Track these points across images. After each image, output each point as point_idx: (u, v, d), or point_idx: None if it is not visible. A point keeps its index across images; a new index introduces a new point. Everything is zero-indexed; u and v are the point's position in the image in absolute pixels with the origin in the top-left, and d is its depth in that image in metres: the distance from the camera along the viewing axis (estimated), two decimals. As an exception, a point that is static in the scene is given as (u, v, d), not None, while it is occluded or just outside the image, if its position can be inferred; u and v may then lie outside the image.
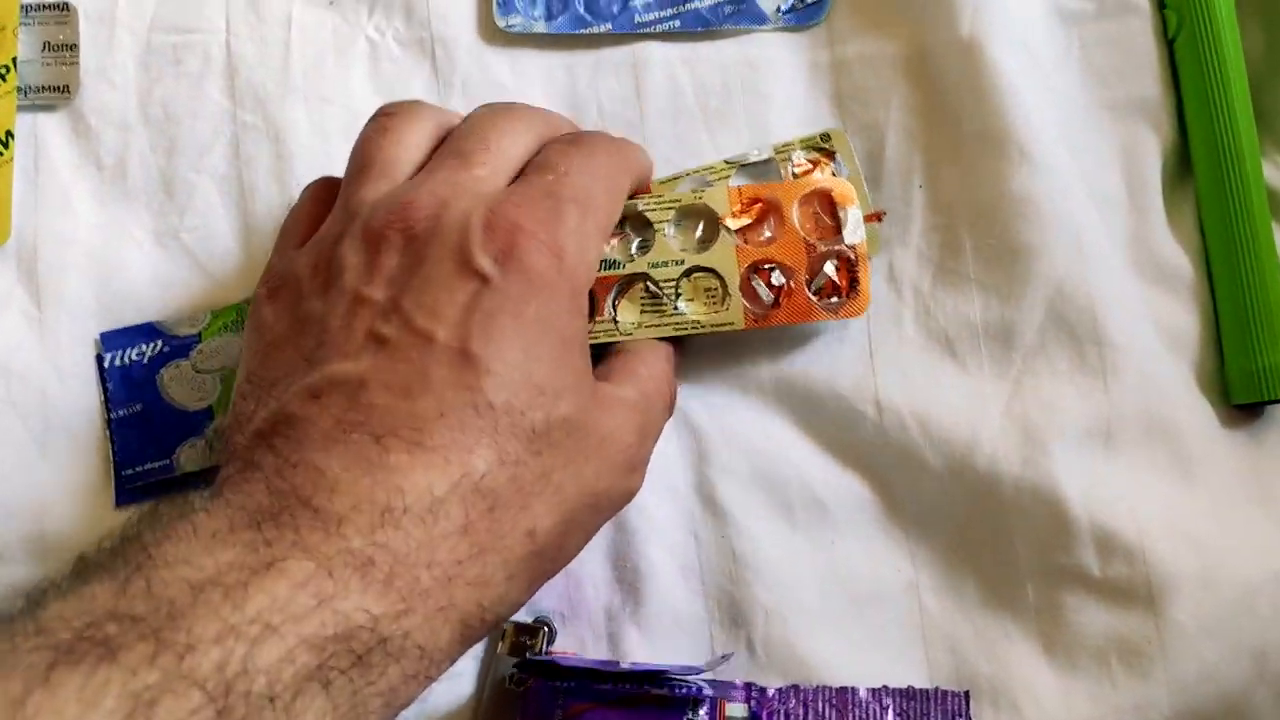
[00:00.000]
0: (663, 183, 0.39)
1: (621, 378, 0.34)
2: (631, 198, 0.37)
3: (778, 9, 0.42)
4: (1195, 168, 0.41)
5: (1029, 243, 0.38)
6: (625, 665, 0.35)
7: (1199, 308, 0.40)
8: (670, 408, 0.37)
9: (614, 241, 0.37)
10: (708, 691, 0.35)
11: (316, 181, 0.37)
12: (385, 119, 0.35)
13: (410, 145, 0.34)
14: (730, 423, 0.39)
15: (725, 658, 0.36)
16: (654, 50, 0.42)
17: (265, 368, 0.31)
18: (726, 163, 0.39)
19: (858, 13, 0.42)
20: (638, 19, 0.41)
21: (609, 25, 0.41)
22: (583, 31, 0.41)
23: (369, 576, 0.26)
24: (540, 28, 0.41)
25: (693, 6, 0.42)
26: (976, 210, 0.39)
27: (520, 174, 0.34)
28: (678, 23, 0.42)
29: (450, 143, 0.34)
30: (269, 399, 0.30)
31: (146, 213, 0.41)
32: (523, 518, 0.29)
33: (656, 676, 0.34)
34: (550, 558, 0.31)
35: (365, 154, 0.34)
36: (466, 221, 0.30)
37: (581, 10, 0.41)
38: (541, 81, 0.41)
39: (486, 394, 0.29)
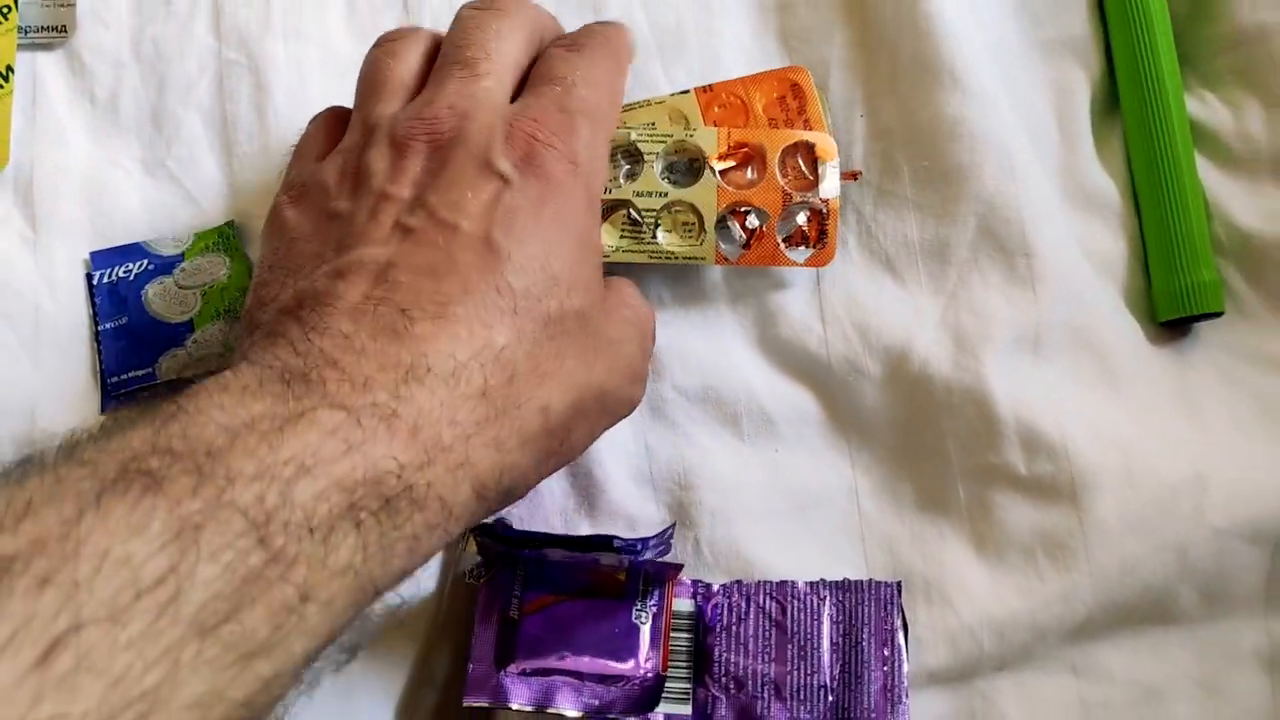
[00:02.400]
0: (628, 109, 0.39)
1: (614, 299, 0.35)
2: (625, 127, 0.38)
3: (730, -46, 0.43)
4: (1122, 102, 0.42)
5: (961, 163, 0.39)
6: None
7: (1126, 233, 0.42)
8: (653, 337, 0.37)
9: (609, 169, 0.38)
10: (650, 555, 0.36)
11: (324, 111, 0.38)
12: (388, 43, 0.36)
13: (413, 63, 0.35)
14: (683, 340, 0.40)
15: (669, 531, 0.37)
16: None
17: (289, 257, 0.32)
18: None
19: (803, -44, 0.43)
20: (596, -35, 0.43)
21: (567, -29, 0.43)
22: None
23: (395, 428, 0.27)
24: (505, -30, 0.43)
25: (649, -44, 0.43)
26: (913, 135, 0.40)
27: (527, 81, 0.35)
28: (634, -31, 0.43)
29: (451, 50, 0.35)
30: (294, 280, 0.31)
31: (136, 143, 0.42)
32: (538, 392, 0.30)
33: (605, 541, 0.35)
34: (560, 439, 0.31)
35: (375, 75, 0.35)
36: (488, 130, 0.32)
37: (543, -44, 0.43)
38: (505, 18, 0.42)
39: (506, 277, 0.30)
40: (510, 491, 0.31)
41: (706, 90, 0.39)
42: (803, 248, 0.38)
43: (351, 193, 0.32)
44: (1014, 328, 0.38)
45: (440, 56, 0.35)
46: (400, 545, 0.27)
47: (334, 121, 0.37)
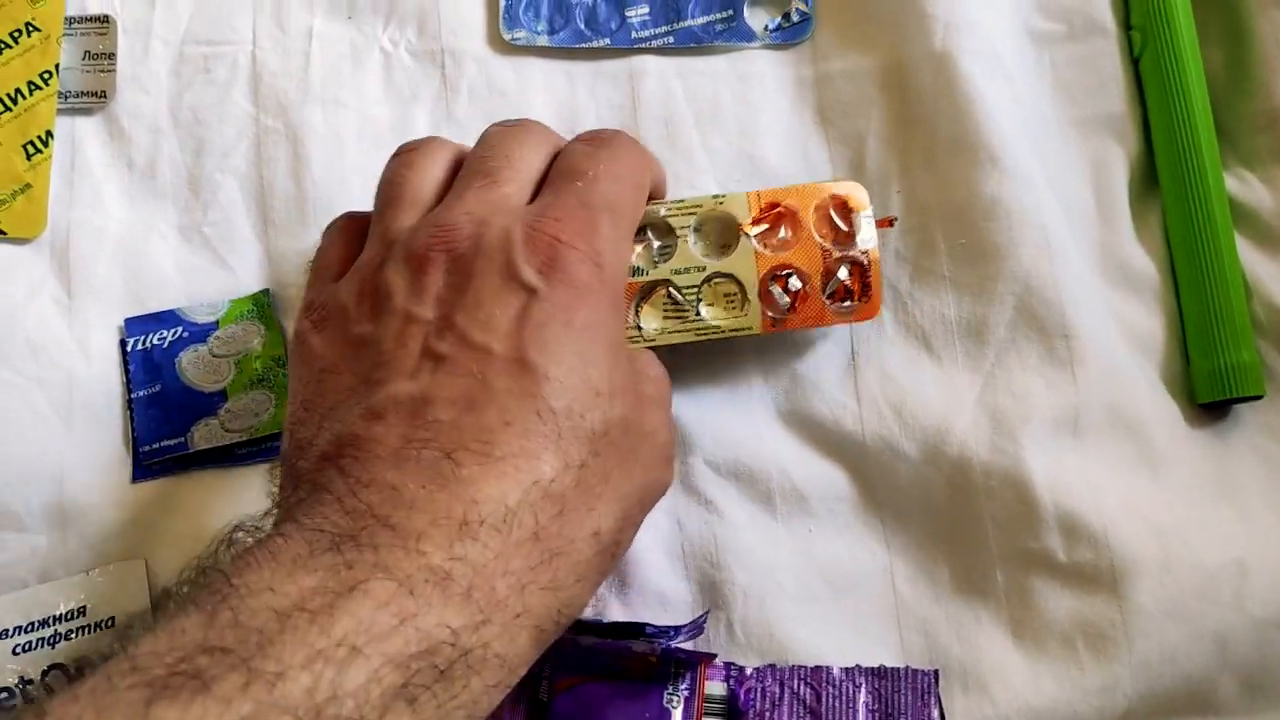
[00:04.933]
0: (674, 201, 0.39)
1: (639, 380, 0.34)
2: (655, 203, 0.37)
3: (765, 27, 0.42)
4: (1160, 179, 0.41)
5: (998, 242, 0.38)
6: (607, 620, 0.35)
7: (1164, 311, 0.40)
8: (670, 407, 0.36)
9: (637, 248, 0.37)
10: (684, 645, 0.34)
11: (339, 219, 0.36)
12: (407, 155, 0.35)
13: (432, 175, 0.34)
14: (714, 415, 0.39)
15: (702, 619, 0.35)
16: (649, 63, 0.42)
17: (321, 394, 0.30)
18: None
19: (840, 31, 0.42)
20: (634, 34, 0.42)
21: (607, 40, 0.42)
22: (582, 45, 0.42)
23: (449, 591, 0.25)
24: (543, 41, 0.42)
25: (686, 24, 0.42)
26: (950, 212, 0.39)
27: (546, 179, 0.33)
28: (671, 39, 0.42)
29: (472, 163, 0.33)
30: (330, 423, 0.29)
31: (173, 208, 0.41)
32: (588, 519, 0.28)
33: (638, 629, 0.33)
34: (611, 554, 0.30)
35: (392, 187, 0.34)
36: (508, 237, 0.30)
37: (582, 25, 0.42)
38: (543, 89, 0.42)
39: (548, 400, 0.28)
40: (569, 622, 0.29)
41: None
42: (848, 302, 0.37)
43: (373, 314, 0.30)
44: (1053, 410, 0.37)
45: (463, 169, 0.34)
46: (458, 714, 0.26)
47: (349, 231, 0.35)
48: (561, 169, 0.33)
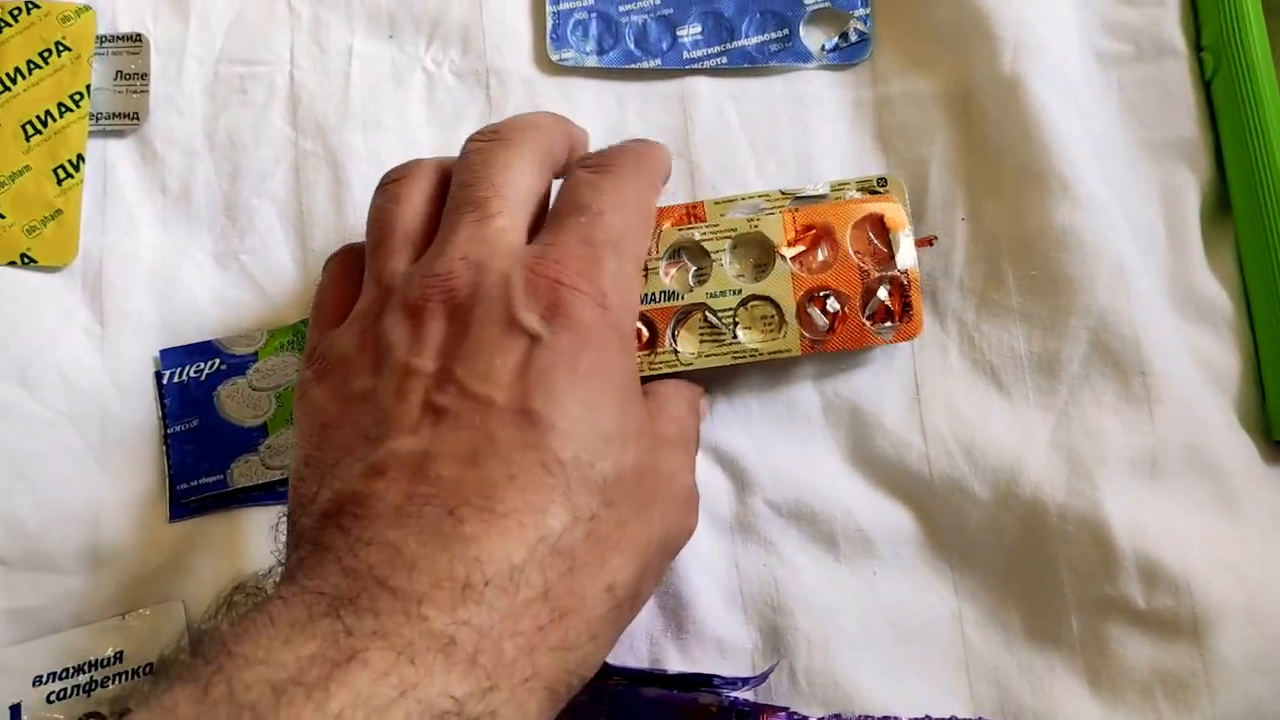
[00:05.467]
0: (718, 203, 0.37)
1: (659, 419, 0.32)
2: (689, 227, 0.36)
3: (822, 48, 0.40)
4: (1234, 206, 0.39)
5: (1071, 275, 0.36)
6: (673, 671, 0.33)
7: (1239, 345, 0.38)
8: (697, 445, 0.35)
9: (673, 271, 0.36)
10: (748, 698, 0.33)
11: (337, 254, 0.35)
12: (390, 186, 0.33)
13: (417, 206, 0.32)
14: (773, 452, 0.37)
15: (769, 671, 0.34)
16: (702, 84, 0.40)
17: (322, 450, 0.29)
18: (782, 193, 0.38)
19: (900, 52, 0.40)
20: (686, 55, 0.40)
21: (658, 61, 0.40)
22: (632, 66, 0.40)
23: (452, 657, 0.24)
24: (592, 61, 0.40)
25: (739, 44, 0.40)
26: (1019, 243, 0.37)
27: (550, 210, 0.32)
28: (725, 59, 0.40)
29: (459, 190, 0.32)
30: (331, 479, 0.28)
31: (208, 235, 0.40)
32: (602, 573, 0.27)
33: (704, 680, 0.32)
34: (629, 608, 0.29)
35: (381, 225, 0.32)
36: (507, 283, 0.29)
37: (631, 45, 0.40)
38: (591, 111, 0.40)
39: (554, 450, 0.27)
40: (584, 681, 0.28)
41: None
42: (888, 323, 0.35)
43: (373, 367, 0.29)
44: (1130, 450, 0.35)
45: (449, 199, 0.32)
46: None
47: (345, 267, 0.34)
48: (563, 202, 0.31)
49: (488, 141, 0.32)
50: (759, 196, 0.38)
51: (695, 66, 0.40)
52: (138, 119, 0.40)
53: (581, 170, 0.32)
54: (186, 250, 0.40)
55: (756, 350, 0.35)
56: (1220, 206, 0.40)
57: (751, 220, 0.36)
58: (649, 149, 0.35)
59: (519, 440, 0.27)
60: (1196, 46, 0.40)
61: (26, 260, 0.39)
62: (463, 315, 0.28)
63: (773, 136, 0.40)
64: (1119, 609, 0.35)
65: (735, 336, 0.35)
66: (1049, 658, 0.35)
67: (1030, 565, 0.35)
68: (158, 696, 0.23)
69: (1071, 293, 0.36)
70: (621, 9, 0.40)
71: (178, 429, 0.37)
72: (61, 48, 0.40)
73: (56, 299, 0.39)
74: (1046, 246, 0.37)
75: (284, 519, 0.30)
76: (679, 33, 0.40)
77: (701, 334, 0.35)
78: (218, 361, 0.38)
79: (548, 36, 0.40)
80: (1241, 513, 0.36)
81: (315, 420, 0.30)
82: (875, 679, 0.35)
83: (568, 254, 0.29)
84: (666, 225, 0.36)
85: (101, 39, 0.41)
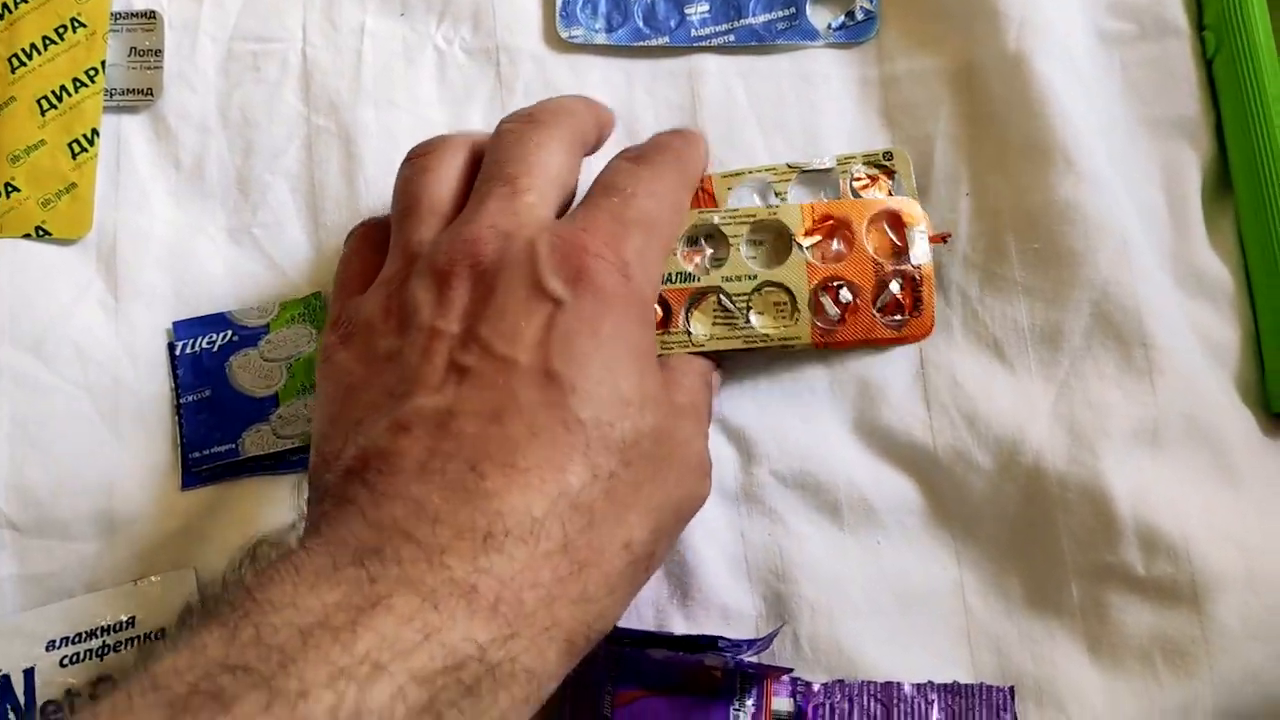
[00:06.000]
0: (725, 176, 0.38)
1: (674, 389, 0.33)
2: (708, 210, 0.36)
3: (829, 26, 0.41)
4: (1235, 183, 0.40)
5: (1074, 248, 0.37)
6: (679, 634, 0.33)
7: (1239, 319, 0.38)
8: (709, 417, 0.35)
9: (691, 255, 0.36)
10: (752, 658, 0.33)
11: (359, 227, 0.35)
12: (420, 158, 0.33)
13: (449, 178, 0.33)
14: (780, 423, 0.37)
15: (773, 634, 0.34)
16: (710, 61, 0.40)
17: (347, 409, 0.29)
18: (789, 166, 0.38)
19: (906, 30, 0.40)
20: (694, 32, 0.40)
21: (666, 39, 0.40)
22: (641, 43, 0.40)
23: (474, 604, 0.25)
24: (600, 39, 0.40)
25: (747, 22, 0.40)
26: (1022, 217, 0.37)
27: (588, 191, 0.32)
28: (732, 37, 0.40)
29: (490, 167, 0.32)
30: (356, 436, 0.28)
31: (221, 210, 0.40)
32: (619, 530, 0.28)
33: (710, 642, 0.32)
34: (644, 567, 0.29)
35: (409, 195, 0.32)
36: (533, 249, 0.29)
37: (640, 23, 0.40)
38: (601, 88, 0.40)
39: (575, 410, 0.27)
40: (601, 636, 0.28)
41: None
42: (899, 316, 0.36)
43: (399, 330, 0.30)
44: (1131, 421, 0.36)
45: (480, 174, 0.32)
46: None
47: (370, 240, 0.34)
48: (600, 184, 0.32)
49: (521, 123, 0.33)
50: (766, 170, 0.38)
51: (703, 44, 0.40)
52: (152, 95, 0.41)
53: (622, 159, 0.33)
54: (200, 225, 0.40)
55: (768, 335, 0.36)
56: (1221, 184, 0.40)
57: (771, 208, 0.36)
58: (690, 147, 0.35)
59: (541, 400, 0.27)
60: (1198, 25, 0.40)
61: (41, 233, 0.39)
62: (488, 280, 0.29)
63: (780, 114, 0.40)
64: (1119, 576, 0.35)
65: (748, 321, 0.36)
66: (1049, 625, 0.35)
67: (1031, 534, 0.36)
68: (186, 638, 0.24)
69: (1074, 265, 0.37)
70: (631, -13, 0.41)
71: (190, 399, 0.37)
72: (77, 24, 0.40)
73: (71, 271, 0.39)
74: (1050, 220, 0.37)
75: (305, 479, 0.30)
76: (687, 10, 0.40)
77: (715, 316, 0.36)
78: (230, 333, 0.38)
79: (557, 14, 0.40)
80: (1241, 483, 0.36)
81: (341, 382, 0.30)
82: (878, 646, 0.35)
83: (596, 226, 0.30)
84: (689, 212, 0.37)
85: (116, 15, 0.41)
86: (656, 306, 0.36)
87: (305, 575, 0.25)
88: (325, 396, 0.30)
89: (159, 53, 0.41)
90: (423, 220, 0.32)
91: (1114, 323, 0.36)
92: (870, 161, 0.38)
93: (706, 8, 0.40)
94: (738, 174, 0.38)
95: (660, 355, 0.35)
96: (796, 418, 0.37)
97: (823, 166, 0.38)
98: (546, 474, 0.26)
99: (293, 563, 0.25)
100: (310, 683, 0.22)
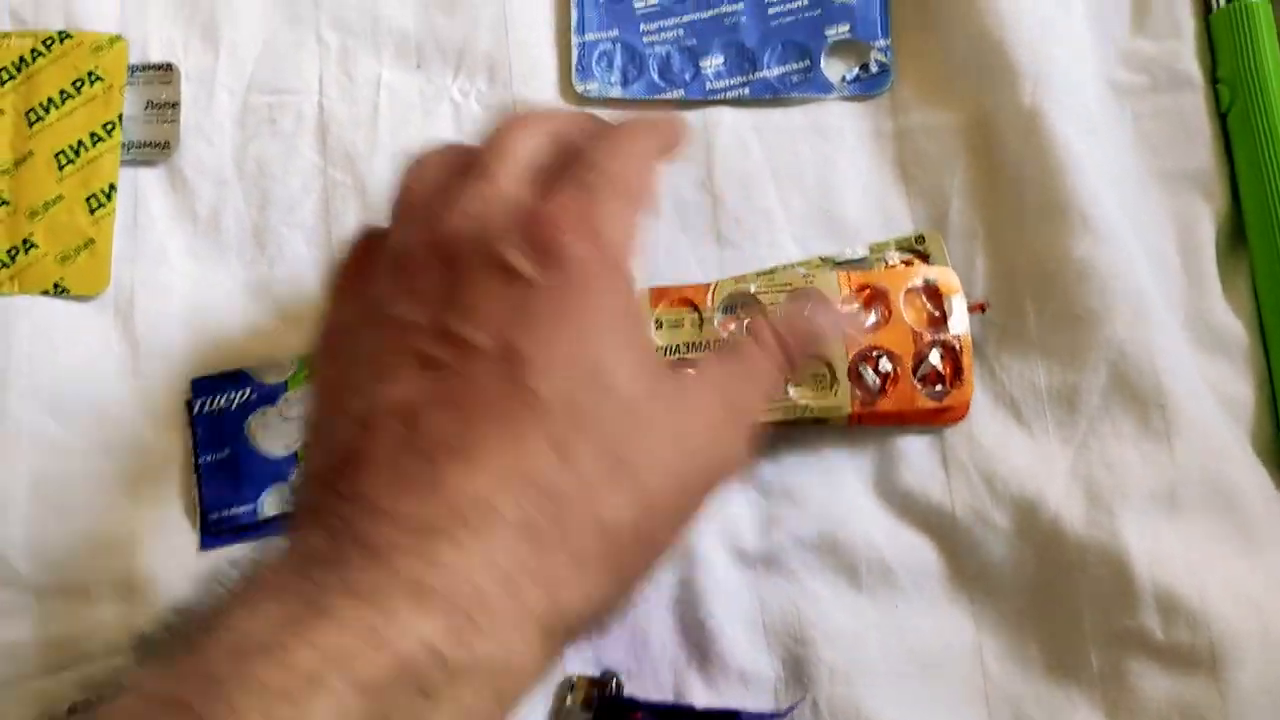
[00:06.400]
0: (760, 274, 0.37)
1: (717, 356, 0.32)
2: (744, 279, 0.36)
3: (843, 78, 0.40)
4: (1249, 237, 0.39)
5: (1091, 308, 0.36)
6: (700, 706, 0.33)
7: (1254, 374, 0.38)
8: (792, 360, 0.31)
9: (731, 326, 0.36)
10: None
11: (357, 238, 0.33)
12: (414, 165, 0.31)
13: (435, 179, 0.31)
14: (799, 483, 0.37)
15: (795, 706, 0.34)
16: (724, 114, 0.40)
17: (324, 413, 0.29)
18: (822, 259, 0.38)
19: (920, 84, 0.40)
20: (709, 86, 0.40)
21: (681, 92, 0.40)
22: (656, 97, 0.40)
23: (424, 602, 0.23)
24: (616, 92, 0.40)
25: (761, 75, 0.40)
26: (1039, 276, 0.37)
27: (560, 167, 0.30)
28: (747, 90, 0.40)
29: (470, 160, 0.31)
30: (329, 442, 0.27)
31: (238, 263, 0.40)
32: (589, 507, 0.26)
33: (731, 715, 0.32)
34: (632, 550, 0.27)
35: (397, 204, 0.31)
36: (501, 231, 0.28)
37: (655, 77, 0.40)
38: (617, 143, 0.40)
39: (530, 384, 0.26)
40: (583, 620, 0.26)
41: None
42: (939, 387, 0.36)
43: (370, 324, 0.28)
44: (1149, 483, 0.35)
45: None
46: None
47: (365, 250, 0.32)
48: (566, 156, 0.30)
49: (501, 121, 0.31)
50: (800, 265, 0.38)
51: (718, 97, 0.40)
52: (168, 148, 0.40)
53: (585, 134, 0.31)
54: (217, 279, 0.40)
55: (808, 407, 0.35)
56: (1235, 237, 0.40)
57: (807, 276, 0.36)
58: (662, 117, 0.34)
59: (497, 376, 0.26)
60: (1213, 79, 0.40)
61: (60, 290, 0.39)
62: (457, 266, 0.28)
63: (795, 167, 0.40)
64: (1138, 642, 0.35)
65: (787, 392, 0.35)
66: (1068, 690, 0.35)
67: (1050, 597, 0.35)
68: (134, 676, 0.23)
69: (1091, 326, 0.36)
70: (645, 40, 0.40)
71: (208, 459, 0.37)
72: (94, 77, 0.40)
73: (89, 329, 0.39)
74: (1066, 280, 0.37)
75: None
76: (702, 64, 0.40)
77: None
78: (249, 391, 0.38)
79: (573, 67, 0.40)
80: (1259, 545, 0.36)
81: (322, 387, 0.29)
82: (897, 709, 0.35)
83: (565, 197, 0.28)
84: (724, 280, 0.37)
85: (133, 68, 0.41)
86: None
87: (253, 594, 0.24)
88: (309, 406, 0.30)
89: (175, 105, 0.41)
90: (405, 222, 0.30)
91: (1131, 384, 0.36)
92: (903, 246, 0.38)
93: (721, 60, 0.40)
94: (772, 271, 0.38)
95: None
96: (816, 478, 0.37)
97: (856, 256, 0.38)
98: (505, 455, 0.25)
99: (245, 580, 0.24)
100: (242, 709, 0.21)
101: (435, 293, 0.27)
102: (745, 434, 0.30)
